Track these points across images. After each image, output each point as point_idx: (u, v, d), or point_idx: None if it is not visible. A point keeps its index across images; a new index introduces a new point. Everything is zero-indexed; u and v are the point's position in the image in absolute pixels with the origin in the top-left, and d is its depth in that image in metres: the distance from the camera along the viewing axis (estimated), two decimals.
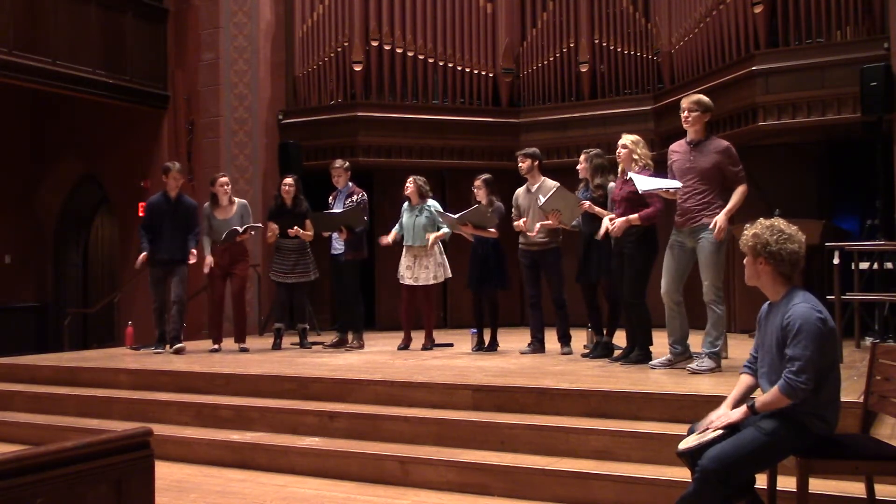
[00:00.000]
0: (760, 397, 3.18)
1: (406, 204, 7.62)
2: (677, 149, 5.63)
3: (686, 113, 5.49)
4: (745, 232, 3.28)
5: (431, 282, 7.49)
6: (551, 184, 6.75)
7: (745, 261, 3.32)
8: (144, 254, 7.61)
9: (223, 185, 7.78)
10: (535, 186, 6.86)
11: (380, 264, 10.45)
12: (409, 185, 7.56)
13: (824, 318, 3.07)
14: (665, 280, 5.58)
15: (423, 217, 7.45)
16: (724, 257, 5.47)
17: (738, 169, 5.42)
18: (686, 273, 5.58)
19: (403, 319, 7.76)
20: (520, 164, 6.96)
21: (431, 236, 7.33)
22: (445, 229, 7.37)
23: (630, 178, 5.72)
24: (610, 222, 5.90)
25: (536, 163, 6.92)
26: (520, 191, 7.05)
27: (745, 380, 3.37)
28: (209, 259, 7.68)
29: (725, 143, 5.55)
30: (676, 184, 5.52)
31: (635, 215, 5.76)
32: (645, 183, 5.58)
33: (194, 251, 7.65)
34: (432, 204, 7.55)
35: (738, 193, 5.38)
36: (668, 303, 5.58)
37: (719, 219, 5.31)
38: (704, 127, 5.51)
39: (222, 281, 7.85)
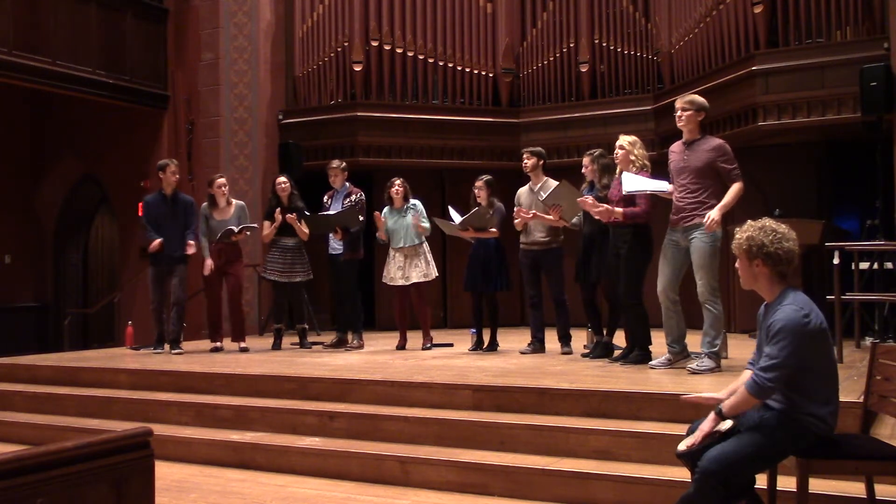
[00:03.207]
0: (727, 400, 3.17)
1: (387, 208, 7.65)
2: (674, 149, 5.67)
3: (679, 112, 5.52)
4: (737, 236, 3.25)
5: (422, 279, 7.51)
6: (553, 184, 6.75)
7: (737, 264, 3.30)
8: (158, 240, 7.53)
9: (220, 187, 7.81)
10: (538, 186, 6.85)
11: (379, 264, 10.43)
12: (398, 188, 7.57)
13: (808, 320, 3.04)
14: (661, 279, 5.60)
15: (408, 217, 7.50)
16: (718, 257, 5.46)
17: (732, 167, 5.40)
18: (682, 272, 5.58)
19: (398, 320, 7.78)
20: (524, 162, 6.95)
21: (419, 222, 7.40)
22: (426, 224, 7.45)
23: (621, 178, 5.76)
24: (595, 210, 5.93)
25: (541, 162, 6.91)
26: (522, 189, 7.04)
27: (747, 374, 3.37)
28: (209, 262, 7.70)
29: (719, 140, 5.55)
30: (664, 185, 5.54)
31: (619, 209, 5.78)
32: (632, 183, 5.63)
33: (192, 242, 7.64)
34: (415, 203, 7.58)
35: (733, 191, 5.37)
36: (665, 302, 5.59)
37: (713, 212, 5.30)
38: (698, 126, 5.51)
39: (218, 281, 7.86)
